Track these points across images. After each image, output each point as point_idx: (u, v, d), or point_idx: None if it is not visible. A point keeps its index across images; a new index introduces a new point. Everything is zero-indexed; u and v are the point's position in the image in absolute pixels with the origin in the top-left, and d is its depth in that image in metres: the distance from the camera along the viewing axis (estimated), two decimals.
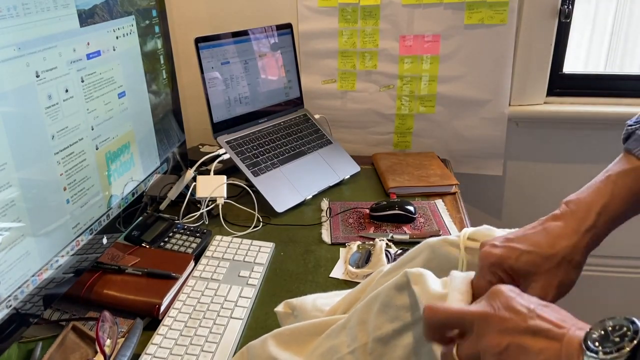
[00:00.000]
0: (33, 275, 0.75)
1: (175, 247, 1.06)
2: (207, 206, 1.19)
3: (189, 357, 0.79)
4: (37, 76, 0.74)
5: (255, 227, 1.17)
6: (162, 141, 1.16)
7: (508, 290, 0.45)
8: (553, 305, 0.44)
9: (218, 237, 1.09)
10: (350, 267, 1.00)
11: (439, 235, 0.68)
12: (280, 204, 1.23)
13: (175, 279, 0.93)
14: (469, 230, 0.62)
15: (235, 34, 1.33)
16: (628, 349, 0.37)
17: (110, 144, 0.95)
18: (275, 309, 0.77)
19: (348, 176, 1.40)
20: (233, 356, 0.78)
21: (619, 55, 1.65)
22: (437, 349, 0.49)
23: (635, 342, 0.37)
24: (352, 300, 0.68)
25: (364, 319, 0.59)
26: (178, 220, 1.17)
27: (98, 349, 0.76)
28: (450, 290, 0.52)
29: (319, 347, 0.63)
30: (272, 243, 1.08)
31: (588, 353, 0.38)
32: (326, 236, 1.13)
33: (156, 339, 0.82)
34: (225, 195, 1.20)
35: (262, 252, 1.05)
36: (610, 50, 1.65)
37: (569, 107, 1.54)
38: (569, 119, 1.55)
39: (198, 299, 0.91)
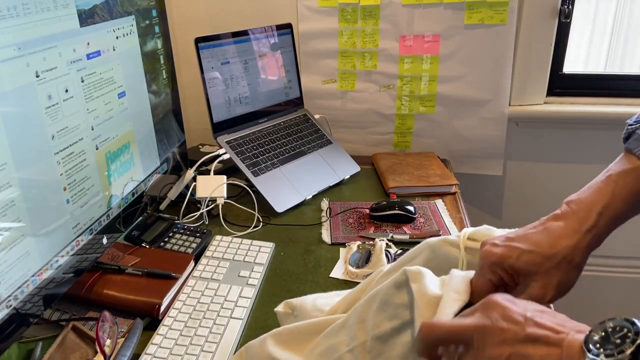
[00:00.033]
0: (33, 275, 0.75)
1: (175, 247, 1.06)
2: (207, 206, 1.19)
3: (189, 357, 0.79)
4: (37, 76, 0.74)
5: (255, 227, 1.17)
6: (162, 141, 1.16)
7: (502, 299, 0.44)
8: (549, 310, 0.44)
9: (218, 237, 1.09)
10: (350, 267, 1.00)
11: (439, 235, 0.68)
12: (280, 204, 1.23)
13: (175, 279, 0.93)
14: (469, 230, 0.62)
15: (235, 34, 1.33)
16: (629, 351, 0.37)
17: (110, 144, 0.95)
18: (275, 309, 0.77)
19: (348, 176, 1.40)
20: (232, 356, 0.78)
21: (619, 55, 1.65)
22: None
23: (636, 344, 0.37)
24: (352, 300, 0.68)
25: (363, 317, 0.59)
26: (178, 220, 1.17)
27: (98, 349, 0.76)
28: (446, 291, 0.52)
29: (318, 346, 0.63)
30: (272, 243, 1.08)
31: (589, 355, 0.38)
32: (326, 236, 1.13)
33: (156, 339, 0.82)
34: (225, 195, 1.20)
35: (262, 252, 1.05)
36: (610, 50, 1.65)
37: (569, 107, 1.54)
38: (569, 119, 1.55)
39: (198, 299, 0.91)
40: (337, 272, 1.02)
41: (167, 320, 0.86)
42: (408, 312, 0.54)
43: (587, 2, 1.60)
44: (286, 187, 1.27)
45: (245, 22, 1.46)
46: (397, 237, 1.11)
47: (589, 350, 0.38)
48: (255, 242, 1.08)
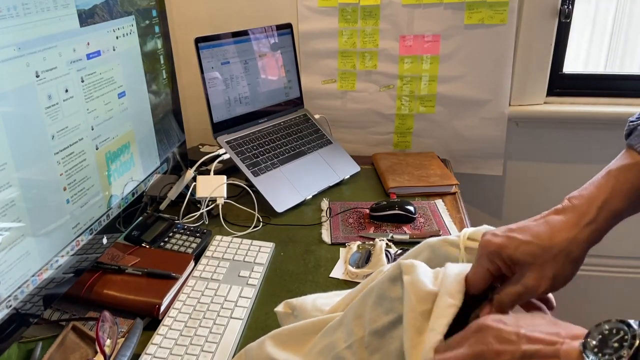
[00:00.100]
0: (33, 275, 0.75)
1: (175, 247, 1.06)
2: (207, 206, 1.19)
3: (189, 357, 0.79)
4: (37, 76, 0.74)
5: (255, 227, 1.17)
6: (162, 141, 1.16)
7: (493, 321, 0.46)
8: (539, 319, 0.44)
9: (218, 237, 1.09)
10: (350, 267, 1.00)
11: (439, 235, 0.68)
12: (280, 204, 1.23)
13: (175, 279, 0.93)
14: (469, 230, 0.62)
15: (235, 34, 1.33)
16: (627, 356, 0.37)
17: (110, 144, 0.95)
18: (275, 309, 0.77)
19: (348, 176, 1.40)
20: (232, 359, 0.78)
21: (619, 55, 1.65)
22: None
23: (634, 348, 0.37)
24: (352, 301, 0.68)
25: (360, 313, 0.59)
26: (178, 220, 1.17)
27: (98, 349, 0.76)
28: (440, 295, 0.52)
29: (316, 345, 0.63)
30: (272, 243, 1.08)
31: None
32: (326, 236, 1.13)
33: (156, 339, 0.82)
34: (225, 195, 1.20)
35: (262, 252, 1.05)
36: (610, 50, 1.65)
37: (569, 107, 1.54)
38: (569, 119, 1.55)
39: (198, 299, 0.91)
40: (337, 272, 1.02)
41: (167, 320, 0.86)
42: (403, 305, 0.55)
43: (587, 2, 1.60)
44: (286, 187, 1.27)
45: (245, 22, 1.47)
46: (397, 237, 1.11)
47: (588, 357, 0.38)
48: (255, 242, 1.08)
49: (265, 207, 1.21)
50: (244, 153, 1.29)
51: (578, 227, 0.53)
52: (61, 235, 0.81)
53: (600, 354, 0.38)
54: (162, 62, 1.16)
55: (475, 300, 0.55)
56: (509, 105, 1.53)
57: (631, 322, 0.39)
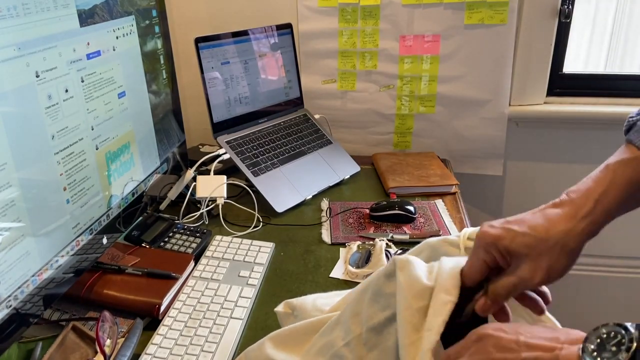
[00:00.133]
0: (33, 275, 0.75)
1: (175, 247, 1.06)
2: (207, 206, 1.19)
3: (189, 357, 0.79)
4: (37, 76, 0.74)
5: (255, 227, 1.17)
6: (162, 141, 1.16)
7: (493, 330, 0.46)
8: (538, 325, 0.45)
9: (218, 237, 1.09)
10: (350, 267, 1.00)
11: (439, 235, 0.68)
12: (280, 204, 1.23)
13: (175, 279, 0.93)
14: (469, 230, 0.62)
15: (235, 34, 1.33)
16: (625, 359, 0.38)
17: (110, 144, 0.95)
18: (275, 309, 0.77)
19: (348, 176, 1.40)
20: None
21: (619, 55, 1.65)
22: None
23: (631, 351, 0.38)
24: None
25: (357, 310, 0.59)
26: (178, 220, 1.17)
27: (98, 349, 0.76)
28: (436, 291, 0.52)
29: (315, 345, 0.63)
30: (272, 243, 1.08)
31: None
32: (326, 236, 1.13)
33: (156, 339, 0.82)
34: (225, 195, 1.20)
35: (262, 252, 1.05)
36: (610, 50, 1.65)
37: (569, 107, 1.54)
38: (569, 119, 1.55)
39: (198, 299, 0.91)
40: (337, 272, 1.02)
41: (167, 320, 0.86)
42: None
43: (587, 2, 1.60)
44: (286, 187, 1.27)
45: (245, 22, 1.47)
46: (397, 237, 1.11)
47: None
48: (255, 242, 1.08)
49: (265, 207, 1.21)
50: (244, 153, 1.29)
51: (575, 219, 0.53)
52: (61, 235, 0.81)
53: (598, 358, 0.38)
54: (162, 62, 1.16)
55: (470, 291, 0.55)
56: (509, 105, 1.53)
57: (628, 325, 0.40)
